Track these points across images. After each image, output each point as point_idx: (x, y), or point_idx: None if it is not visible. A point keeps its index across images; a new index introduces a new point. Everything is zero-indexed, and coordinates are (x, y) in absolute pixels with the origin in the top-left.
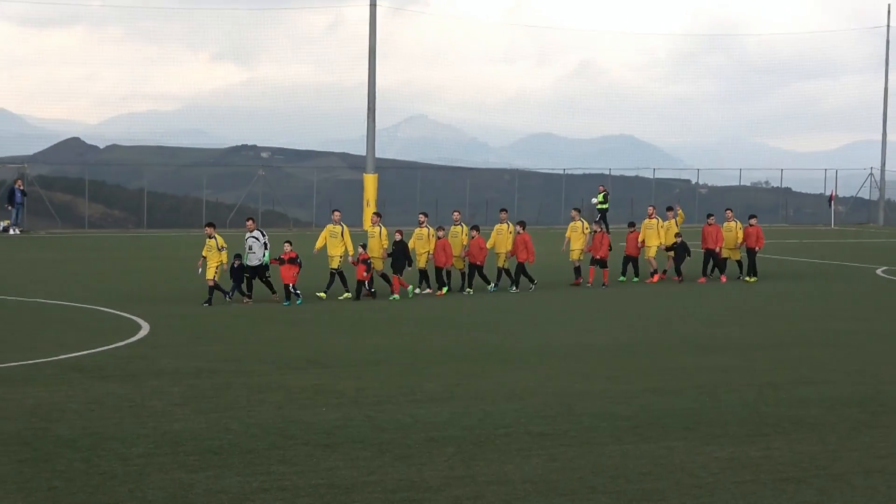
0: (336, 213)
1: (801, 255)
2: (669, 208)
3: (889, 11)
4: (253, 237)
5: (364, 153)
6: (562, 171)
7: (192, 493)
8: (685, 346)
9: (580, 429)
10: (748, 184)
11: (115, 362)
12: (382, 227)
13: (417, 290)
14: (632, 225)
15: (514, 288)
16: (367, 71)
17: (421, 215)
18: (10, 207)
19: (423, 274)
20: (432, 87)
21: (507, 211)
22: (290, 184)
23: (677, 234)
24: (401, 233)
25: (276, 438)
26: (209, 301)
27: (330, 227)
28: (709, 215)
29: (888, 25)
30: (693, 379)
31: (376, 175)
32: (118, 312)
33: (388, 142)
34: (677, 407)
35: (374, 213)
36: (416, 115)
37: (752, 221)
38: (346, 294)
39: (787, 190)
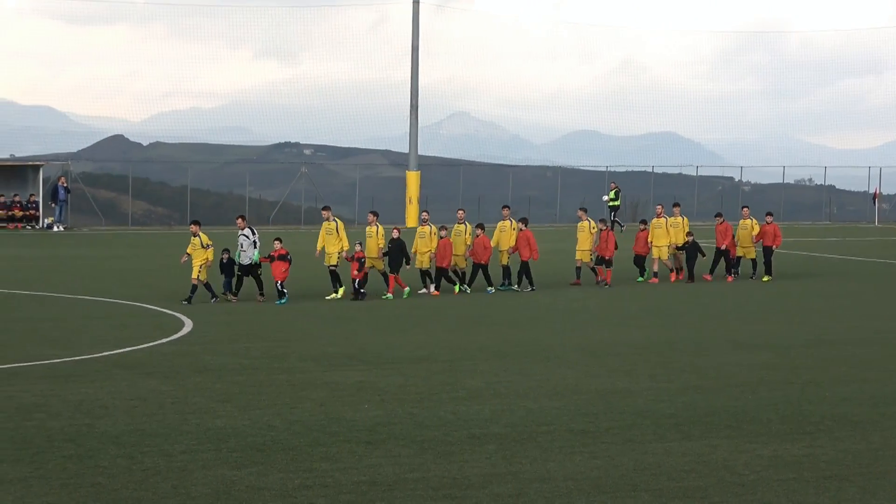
0: (325, 211)
1: (845, 253)
2: (676, 204)
3: None
4: (243, 235)
5: (406, 150)
6: (605, 169)
7: (234, 489)
8: (725, 344)
9: (622, 426)
10: (791, 181)
11: (158, 359)
12: (379, 227)
13: (423, 291)
14: (643, 223)
15: (516, 287)
16: (409, 68)
17: (424, 213)
18: (53, 205)
19: (426, 273)
20: (475, 85)
21: (509, 208)
22: (332, 181)
23: (689, 234)
24: (398, 230)
25: (319, 435)
26: (189, 300)
27: (325, 224)
28: (717, 214)
29: None
30: (735, 377)
31: (419, 172)
32: (161, 309)
33: (430, 139)
34: (720, 405)
35: (371, 212)
36: (458, 113)
37: (769, 219)
38: (339, 291)
39: (831, 187)
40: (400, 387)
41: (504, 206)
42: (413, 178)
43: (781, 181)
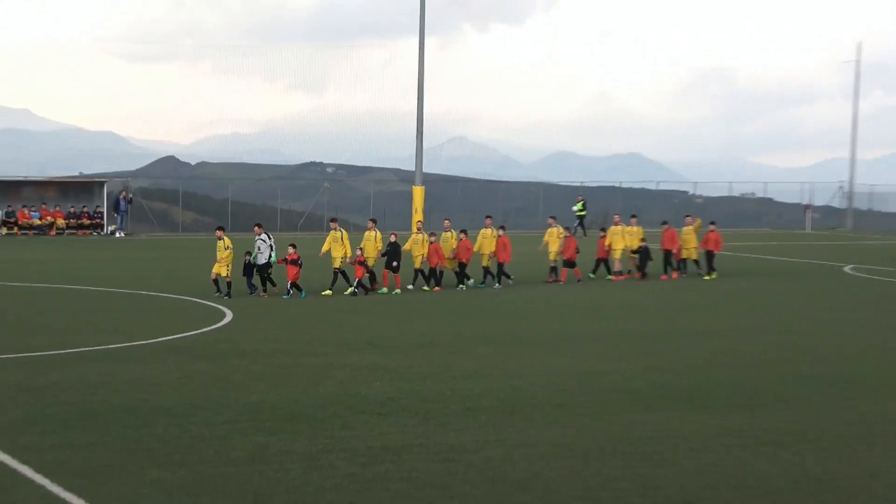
0: (333, 223)
1: (782, 255)
2: (633, 216)
3: (859, 48)
4: (261, 240)
5: (413, 168)
6: (580, 184)
7: (267, 453)
8: (682, 333)
9: (594, 401)
10: (737, 194)
11: (203, 344)
12: (377, 231)
13: (410, 287)
14: (603, 230)
15: (498, 285)
16: (416, 99)
17: (418, 222)
18: (115, 214)
19: (419, 272)
20: (471, 113)
21: (491, 217)
22: (350, 195)
23: (642, 240)
24: (395, 235)
25: (338, 408)
26: (228, 294)
27: (333, 233)
28: (663, 222)
29: (858, 60)
30: (689, 360)
31: (423, 187)
32: (206, 303)
33: (433, 159)
34: (676, 383)
35: (370, 220)
36: (457, 137)
37: (712, 227)
38: (350, 289)
39: (770, 200)
40: (407, 368)
41: (487, 216)
42: (418, 192)
43: (729, 194)
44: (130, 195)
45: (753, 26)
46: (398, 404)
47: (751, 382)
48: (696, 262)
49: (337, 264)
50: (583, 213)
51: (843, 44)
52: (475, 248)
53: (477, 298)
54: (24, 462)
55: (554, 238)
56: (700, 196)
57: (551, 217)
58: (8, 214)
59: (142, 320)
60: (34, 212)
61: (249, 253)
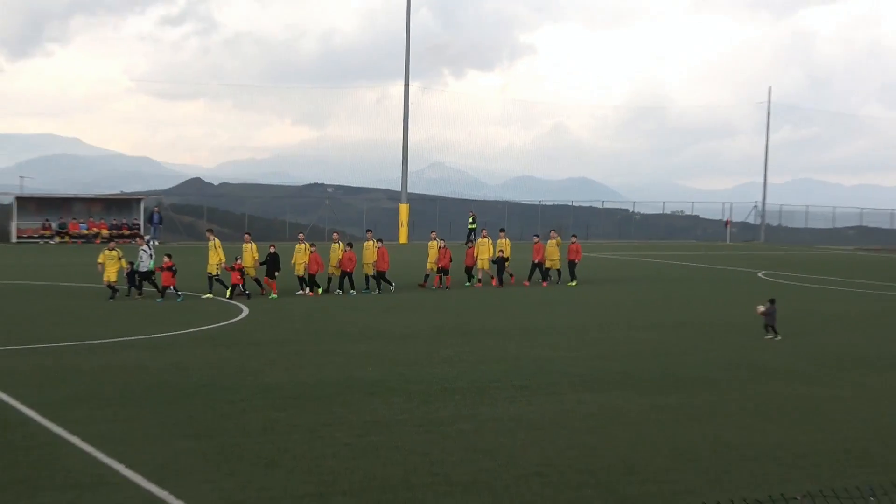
0: (209, 233)
1: (706, 263)
2: (502, 230)
3: (769, 91)
4: (143, 250)
5: (400, 189)
6: (538, 203)
7: (277, 425)
8: (621, 326)
9: (548, 383)
10: (669, 212)
11: (224, 335)
12: (253, 244)
13: (300, 292)
14: (469, 242)
15: (377, 291)
16: (402, 131)
17: (301, 234)
18: (150, 226)
19: (301, 280)
20: (448, 142)
21: (372, 231)
22: (347, 211)
23: (500, 251)
24: (274, 246)
25: (338, 388)
26: (113, 296)
27: (210, 242)
28: (535, 235)
29: (769, 101)
30: (626, 348)
31: (408, 205)
32: (226, 300)
33: (416, 181)
34: (615, 368)
35: (246, 233)
36: (436, 163)
37: (573, 239)
38: (216, 293)
39: (696, 217)
40: (394, 354)
41: (368, 230)
42: (404, 209)
43: (662, 212)
44: (161, 210)
45: (683, 72)
46: (386, 385)
47: (677, 368)
48: (558, 271)
49: (214, 271)
50: (473, 226)
51: (759, 88)
52: (365, 259)
53: (449, 298)
54: (73, 433)
55: (434, 250)
56: (638, 213)
57: (433, 231)
58: (61, 226)
59: (173, 314)
60: (83, 223)
61: (132, 263)
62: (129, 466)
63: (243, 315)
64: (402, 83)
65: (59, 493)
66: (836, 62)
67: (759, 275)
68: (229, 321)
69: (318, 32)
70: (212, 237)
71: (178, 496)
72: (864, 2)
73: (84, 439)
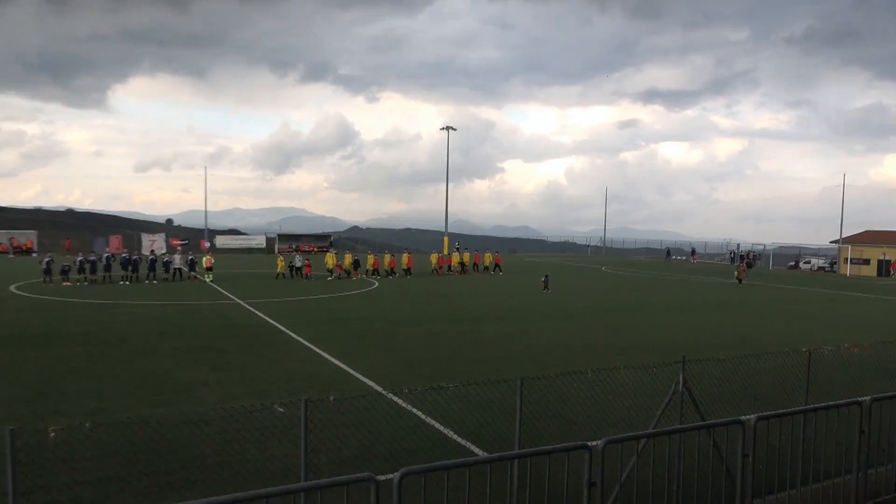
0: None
1: (578, 263)
2: (466, 248)
3: (605, 194)
4: (299, 254)
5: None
6: (503, 237)
7: (393, 332)
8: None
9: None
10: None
11: (367, 294)
12: (346, 253)
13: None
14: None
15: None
16: (443, 205)
17: (368, 250)
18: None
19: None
20: (466, 210)
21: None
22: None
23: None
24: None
25: (418, 318)
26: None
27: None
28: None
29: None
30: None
31: (447, 237)
32: (367, 279)
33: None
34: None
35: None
36: (460, 220)
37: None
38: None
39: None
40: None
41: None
42: (445, 240)
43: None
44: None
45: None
46: (440, 317)
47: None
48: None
49: (330, 265)
50: (457, 246)
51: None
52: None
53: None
54: (300, 336)
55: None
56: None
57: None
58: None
59: (339, 286)
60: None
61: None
62: (327, 352)
63: (374, 286)
64: (444, 184)
65: (295, 363)
66: None
67: (603, 269)
68: (369, 288)
69: (409, 161)
70: (331, 249)
71: (353, 369)
72: None
73: (305, 339)
